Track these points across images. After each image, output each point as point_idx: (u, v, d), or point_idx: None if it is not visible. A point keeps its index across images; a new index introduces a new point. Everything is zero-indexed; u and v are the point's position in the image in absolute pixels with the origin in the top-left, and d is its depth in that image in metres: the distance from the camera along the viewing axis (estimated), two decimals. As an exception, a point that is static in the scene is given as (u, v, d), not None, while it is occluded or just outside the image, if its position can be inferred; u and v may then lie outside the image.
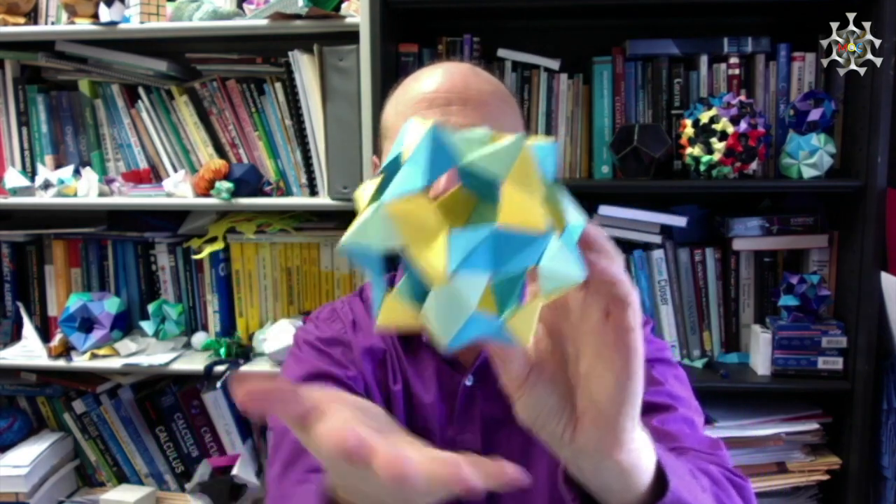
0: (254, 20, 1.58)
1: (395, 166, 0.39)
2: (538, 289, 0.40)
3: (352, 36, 1.50)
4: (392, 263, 0.70)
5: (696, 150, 1.48)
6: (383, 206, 0.37)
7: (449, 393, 0.87)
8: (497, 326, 0.39)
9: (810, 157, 1.46)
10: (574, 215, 0.42)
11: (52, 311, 1.81)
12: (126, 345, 1.70)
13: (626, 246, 1.58)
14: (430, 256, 0.37)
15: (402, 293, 0.41)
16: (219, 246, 1.68)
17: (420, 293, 0.39)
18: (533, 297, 0.40)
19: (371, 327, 0.93)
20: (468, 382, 0.86)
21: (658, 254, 1.57)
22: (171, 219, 1.80)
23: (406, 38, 1.58)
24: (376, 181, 0.42)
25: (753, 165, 1.50)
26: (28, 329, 1.75)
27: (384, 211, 0.37)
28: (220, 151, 1.72)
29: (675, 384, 0.85)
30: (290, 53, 1.58)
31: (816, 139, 1.46)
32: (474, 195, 0.42)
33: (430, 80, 0.83)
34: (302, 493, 0.75)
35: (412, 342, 0.90)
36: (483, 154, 0.38)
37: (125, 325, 1.76)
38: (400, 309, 0.40)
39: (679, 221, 1.55)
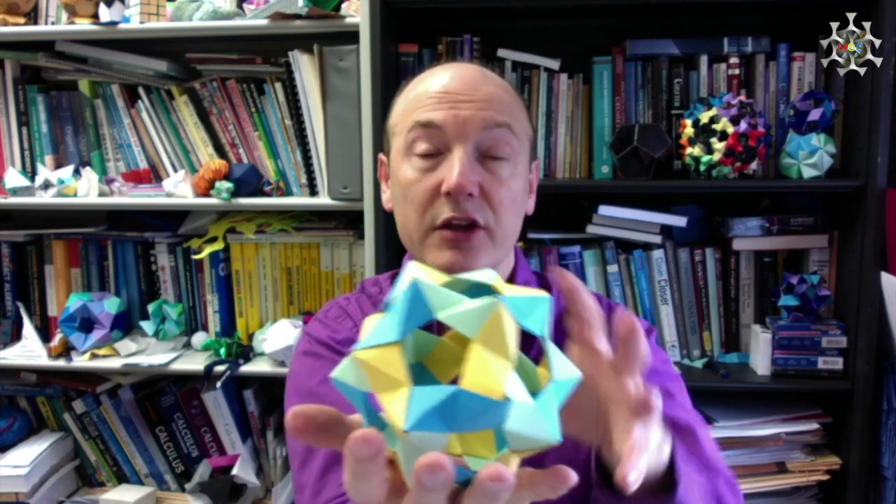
0: (254, 20, 1.58)
1: (383, 324, 0.41)
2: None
3: (352, 36, 1.50)
4: None
5: (696, 150, 1.48)
6: (355, 354, 0.40)
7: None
8: (466, 475, 0.40)
9: (810, 157, 1.46)
10: (565, 369, 0.43)
11: (52, 311, 1.81)
12: (126, 345, 1.70)
13: (626, 246, 1.59)
14: (392, 408, 0.38)
15: (372, 426, 0.42)
16: (219, 246, 1.68)
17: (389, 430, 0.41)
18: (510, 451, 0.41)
19: None
20: None
21: (658, 254, 1.57)
22: (171, 219, 1.80)
23: (406, 38, 1.58)
24: (379, 316, 0.44)
25: (753, 165, 1.50)
26: (28, 329, 1.75)
27: (356, 358, 0.40)
28: (220, 151, 1.72)
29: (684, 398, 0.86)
30: (290, 53, 1.58)
31: (816, 139, 1.46)
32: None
33: (440, 78, 0.83)
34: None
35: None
36: (455, 313, 0.40)
37: (125, 325, 1.76)
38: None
39: (679, 221, 1.55)
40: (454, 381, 0.40)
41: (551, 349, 0.43)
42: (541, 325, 0.42)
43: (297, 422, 0.42)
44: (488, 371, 0.39)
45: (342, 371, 0.41)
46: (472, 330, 0.40)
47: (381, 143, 0.92)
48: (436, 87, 0.82)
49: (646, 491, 0.58)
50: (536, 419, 0.39)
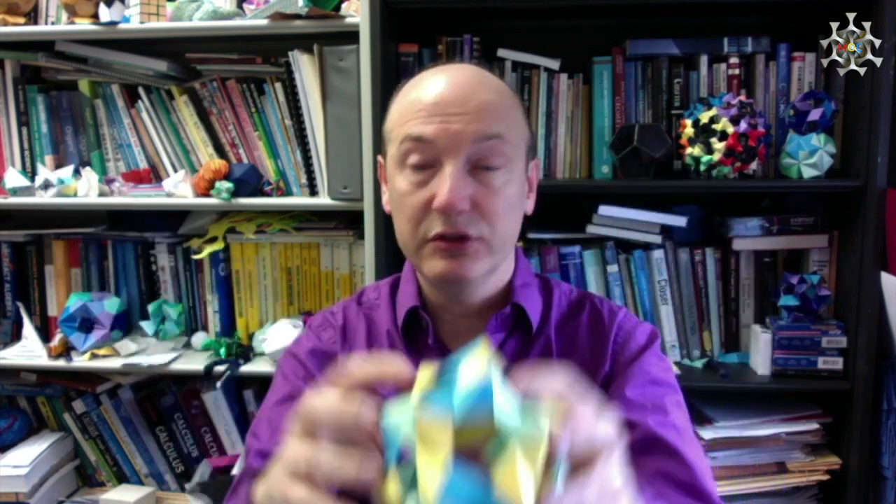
0: (254, 20, 1.58)
1: (447, 391, 0.45)
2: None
3: (352, 36, 1.50)
4: None
5: (696, 150, 1.48)
6: (418, 417, 0.45)
7: None
8: None
9: (810, 157, 1.46)
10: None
11: (52, 311, 1.81)
12: (126, 345, 1.70)
13: (626, 246, 1.59)
14: (427, 475, 0.43)
15: (401, 478, 0.45)
16: (219, 246, 1.68)
17: (414, 484, 0.44)
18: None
19: (361, 334, 0.94)
20: None
21: (658, 254, 1.57)
22: (171, 219, 1.80)
23: (406, 38, 1.58)
24: (433, 369, 0.49)
25: (753, 165, 1.50)
26: (28, 329, 1.75)
27: (416, 419, 0.45)
28: (220, 151, 1.72)
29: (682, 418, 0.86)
30: (290, 53, 1.58)
31: (816, 139, 1.46)
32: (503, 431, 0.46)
33: (433, 87, 0.82)
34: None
35: (416, 343, 0.90)
36: (512, 426, 0.45)
37: (125, 325, 1.76)
38: (394, 489, 0.45)
39: (679, 221, 1.55)
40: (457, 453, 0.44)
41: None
42: (488, 413, 0.45)
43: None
44: (517, 478, 0.43)
45: (396, 417, 0.46)
46: (520, 439, 0.44)
47: (381, 143, 0.91)
48: (428, 97, 0.81)
49: None
50: None
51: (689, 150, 1.49)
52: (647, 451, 0.78)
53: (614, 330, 0.90)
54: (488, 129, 0.80)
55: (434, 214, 0.80)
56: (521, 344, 0.89)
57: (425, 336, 0.89)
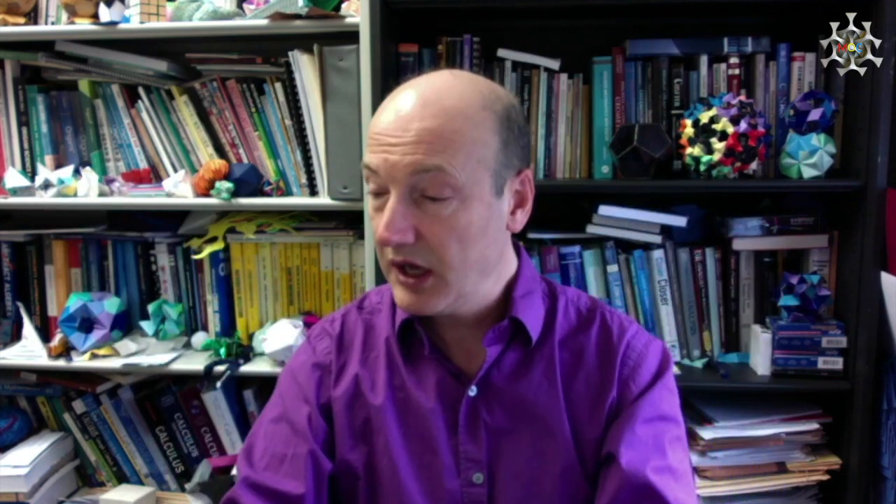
0: (254, 20, 1.58)
1: None
2: None
3: (352, 36, 1.50)
4: None
5: (696, 150, 1.48)
6: None
7: (451, 402, 0.86)
8: None
9: (810, 157, 1.46)
10: None
11: (52, 311, 1.81)
12: (126, 345, 1.70)
13: (626, 246, 1.59)
14: None
15: None
16: (219, 246, 1.68)
17: None
18: None
19: (357, 341, 0.93)
20: (472, 393, 0.86)
21: (658, 254, 1.57)
22: (171, 219, 1.80)
23: (406, 38, 1.58)
24: None
25: (753, 165, 1.50)
26: (28, 329, 1.75)
27: None
28: (220, 151, 1.72)
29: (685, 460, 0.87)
30: (290, 53, 1.58)
31: (816, 139, 1.46)
32: None
33: (385, 113, 0.80)
34: None
35: (413, 351, 0.89)
36: None
37: (125, 325, 1.76)
38: None
39: (679, 221, 1.55)
40: None
41: None
42: None
43: None
44: None
45: None
46: None
47: None
48: (378, 124, 0.80)
49: None
50: None
51: (689, 150, 1.49)
52: (639, 500, 0.80)
53: (622, 350, 0.88)
54: (426, 161, 0.76)
55: None
56: (521, 356, 0.88)
57: (421, 348, 0.89)
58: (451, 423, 0.86)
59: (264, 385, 1.78)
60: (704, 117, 1.46)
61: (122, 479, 1.81)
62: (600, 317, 0.91)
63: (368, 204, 0.84)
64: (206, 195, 1.63)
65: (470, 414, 0.85)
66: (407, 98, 0.79)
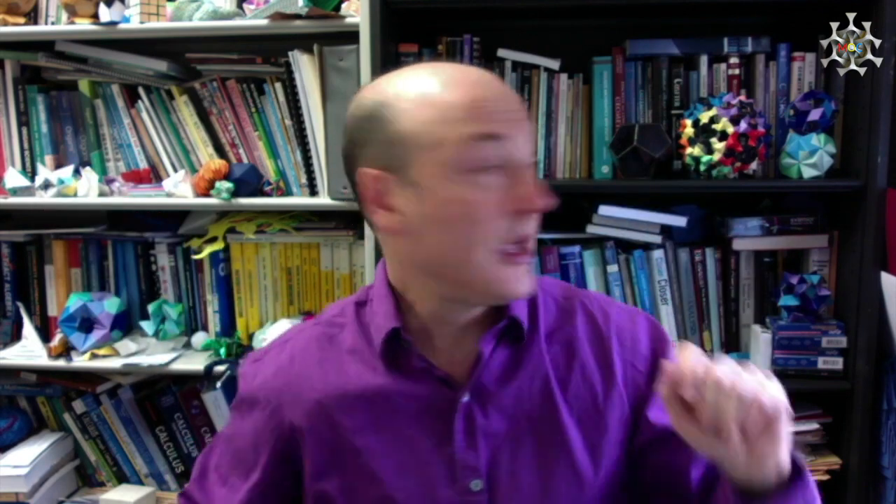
0: (254, 20, 1.58)
1: None
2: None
3: (352, 36, 1.50)
4: None
5: (696, 150, 1.48)
6: None
7: (441, 411, 0.81)
8: None
9: (810, 157, 1.46)
10: None
11: (52, 311, 1.81)
12: (126, 345, 1.70)
13: (626, 246, 1.59)
14: None
15: None
16: (219, 246, 1.68)
17: None
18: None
19: (311, 358, 0.87)
20: (465, 399, 0.81)
21: (658, 254, 1.57)
22: (171, 219, 1.80)
23: (406, 38, 1.58)
24: None
25: (753, 165, 1.50)
26: (28, 329, 1.75)
27: None
28: (220, 151, 1.72)
29: None
30: (290, 53, 1.58)
31: (816, 139, 1.46)
32: None
33: (477, 88, 0.75)
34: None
35: (395, 362, 0.83)
36: None
37: (125, 325, 1.76)
38: None
39: (679, 221, 1.55)
40: None
41: None
42: None
43: None
44: None
45: None
46: None
47: (369, 156, 0.78)
48: (478, 95, 0.74)
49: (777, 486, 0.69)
50: None
51: (689, 150, 1.49)
52: None
53: (613, 332, 0.86)
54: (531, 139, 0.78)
55: (512, 221, 0.74)
56: (510, 356, 0.83)
57: (407, 357, 0.83)
58: (442, 431, 0.81)
59: (264, 385, 1.78)
60: (704, 117, 1.46)
61: (122, 479, 1.81)
62: (580, 305, 0.88)
63: (462, 189, 0.73)
64: (206, 195, 1.63)
65: (465, 420, 0.80)
66: (477, 71, 0.77)
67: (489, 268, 0.75)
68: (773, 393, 0.66)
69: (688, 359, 0.65)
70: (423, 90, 0.75)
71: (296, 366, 0.87)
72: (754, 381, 0.66)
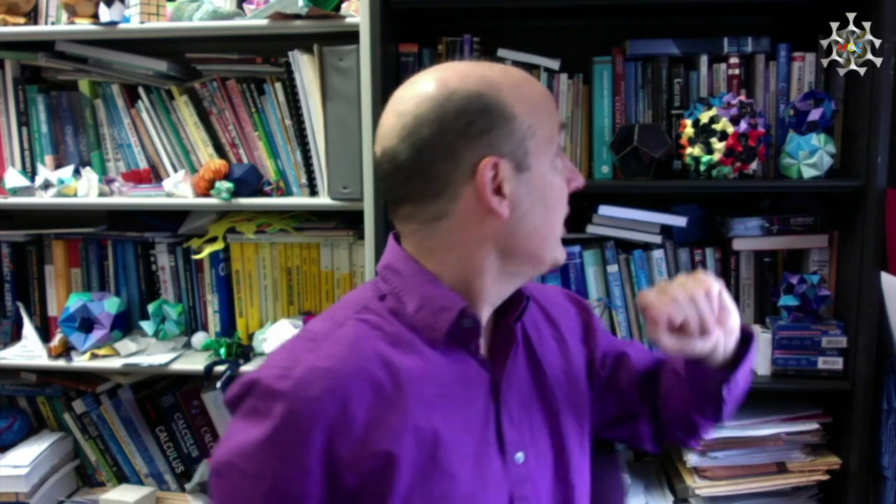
0: (254, 20, 1.58)
1: None
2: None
3: (352, 36, 1.50)
4: None
5: (696, 150, 1.48)
6: None
7: (487, 389, 0.84)
8: None
9: (810, 157, 1.46)
10: None
11: (52, 311, 1.81)
12: (126, 345, 1.70)
13: (626, 246, 1.59)
14: None
15: None
16: (219, 246, 1.68)
17: None
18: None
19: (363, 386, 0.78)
20: (501, 376, 0.85)
21: (658, 254, 1.57)
22: (171, 219, 1.80)
23: (406, 38, 1.58)
24: None
25: (753, 165, 1.50)
26: (28, 329, 1.75)
27: None
28: (220, 151, 1.72)
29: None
30: (290, 53, 1.58)
31: (816, 139, 1.46)
32: None
33: (535, 86, 0.85)
34: None
35: (451, 345, 0.82)
36: None
37: (125, 325, 1.76)
38: None
39: (679, 221, 1.55)
40: None
41: None
42: None
43: None
44: None
45: None
46: None
47: (478, 145, 0.78)
48: (539, 91, 0.84)
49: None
50: None
51: (689, 150, 1.49)
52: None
53: (553, 309, 0.98)
54: None
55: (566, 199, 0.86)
56: (505, 336, 0.88)
57: (461, 338, 0.82)
58: (486, 409, 0.83)
59: (264, 385, 1.78)
60: (704, 117, 1.46)
61: (122, 479, 1.81)
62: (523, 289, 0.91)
63: (553, 174, 0.83)
64: (206, 195, 1.63)
65: (503, 396, 0.85)
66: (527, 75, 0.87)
67: (559, 241, 0.86)
68: (702, 280, 0.83)
69: (660, 301, 0.80)
70: (519, 82, 0.82)
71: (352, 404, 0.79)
72: (691, 283, 0.82)
